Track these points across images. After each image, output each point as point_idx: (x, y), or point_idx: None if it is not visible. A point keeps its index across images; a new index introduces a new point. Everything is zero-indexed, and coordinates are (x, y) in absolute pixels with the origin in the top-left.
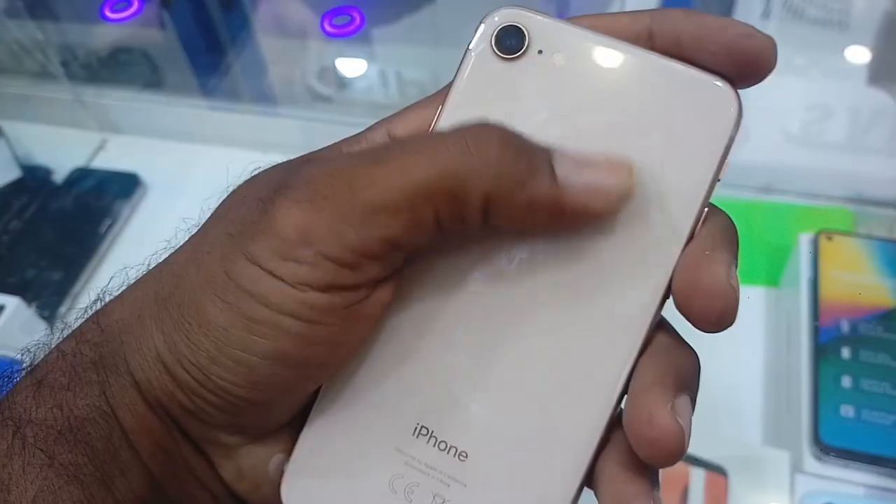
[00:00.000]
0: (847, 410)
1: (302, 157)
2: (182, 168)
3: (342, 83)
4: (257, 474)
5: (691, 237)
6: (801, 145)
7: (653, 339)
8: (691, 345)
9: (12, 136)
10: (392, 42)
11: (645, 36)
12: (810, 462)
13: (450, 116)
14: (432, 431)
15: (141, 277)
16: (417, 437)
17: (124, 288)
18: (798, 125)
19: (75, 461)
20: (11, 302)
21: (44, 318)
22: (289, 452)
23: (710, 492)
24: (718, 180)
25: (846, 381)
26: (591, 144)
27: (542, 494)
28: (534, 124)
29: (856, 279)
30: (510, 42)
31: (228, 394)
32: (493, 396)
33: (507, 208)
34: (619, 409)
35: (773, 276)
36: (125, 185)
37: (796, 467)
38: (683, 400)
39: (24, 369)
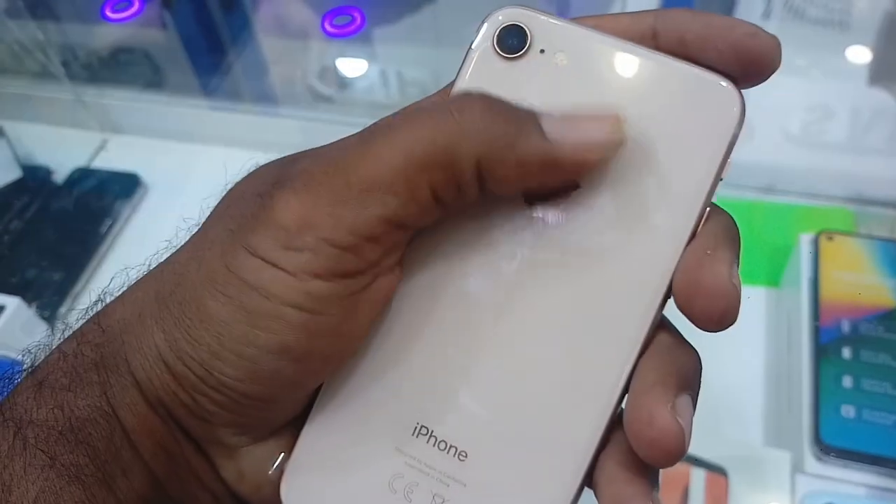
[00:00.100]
0: (848, 410)
1: (298, 152)
2: (183, 168)
3: (343, 83)
4: (258, 475)
5: (693, 236)
6: (802, 145)
7: (654, 338)
8: (692, 344)
9: (13, 136)
10: (393, 42)
11: (649, 35)
12: (811, 462)
13: None
14: (432, 431)
15: (142, 277)
16: (417, 436)
17: (125, 288)
18: (799, 125)
19: (76, 462)
20: (12, 302)
21: (44, 318)
22: (289, 453)
23: (711, 492)
24: (721, 179)
25: (847, 382)
26: None
27: (541, 494)
28: None
29: (856, 279)
30: (512, 41)
31: (231, 389)
32: (492, 396)
33: (500, 170)
34: (619, 409)
35: (773, 277)
36: (126, 186)
37: (797, 467)
38: (684, 400)
39: (24, 370)
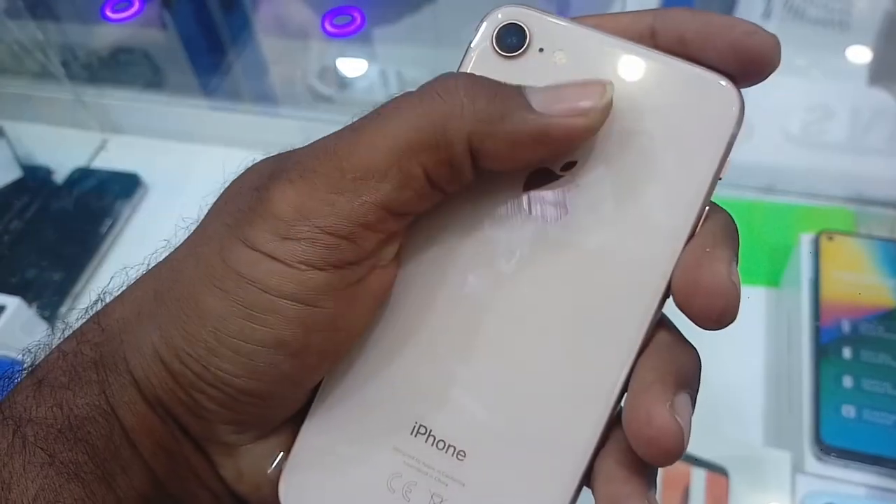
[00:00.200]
0: (848, 410)
1: (294, 148)
2: (183, 168)
3: (343, 83)
4: (257, 475)
5: (692, 235)
6: (802, 145)
7: (653, 337)
8: (692, 343)
9: (13, 136)
10: (393, 42)
11: (648, 35)
12: (811, 462)
13: None
14: (431, 430)
15: (141, 276)
16: (416, 435)
17: (125, 287)
18: (799, 125)
19: (76, 459)
20: (12, 302)
21: (44, 318)
22: (288, 452)
23: (711, 492)
24: (720, 178)
25: (847, 382)
26: (591, 143)
27: (540, 494)
28: None
29: (857, 279)
30: (511, 40)
31: (228, 386)
32: (491, 395)
33: (492, 146)
34: (618, 408)
35: (774, 277)
36: (126, 185)
37: (797, 467)
38: (683, 399)
39: (24, 369)
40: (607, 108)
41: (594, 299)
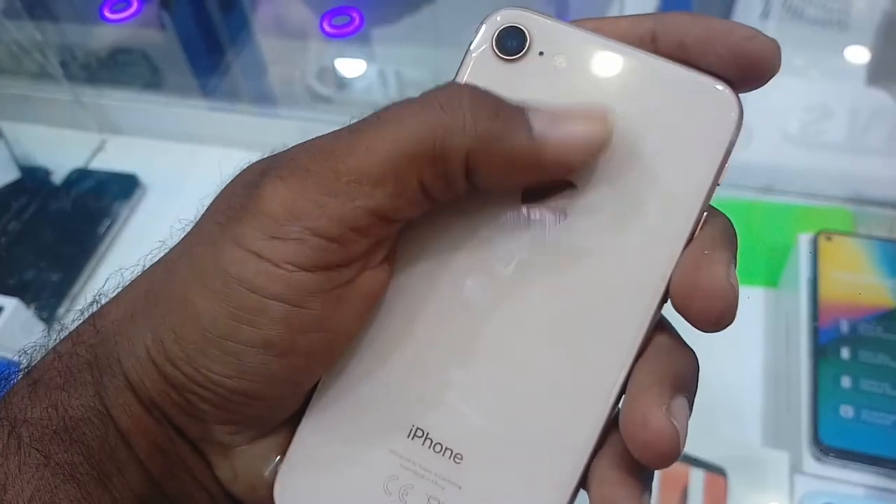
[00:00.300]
0: (846, 411)
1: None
2: (181, 169)
3: (342, 83)
4: (253, 476)
5: (690, 240)
6: (801, 145)
7: (652, 339)
8: (690, 346)
9: (11, 136)
10: (392, 42)
11: (648, 39)
12: (810, 462)
13: None
14: (427, 433)
15: (136, 277)
16: (412, 438)
17: (120, 289)
18: (797, 125)
19: (71, 460)
20: (10, 303)
21: (43, 319)
22: (284, 454)
23: (710, 492)
24: (718, 184)
25: (846, 382)
26: None
27: (537, 496)
28: None
29: (855, 279)
30: (511, 43)
31: (219, 387)
32: (488, 398)
33: (487, 164)
34: (616, 412)
35: (772, 277)
36: (124, 186)
37: (796, 468)
38: (680, 402)
39: (21, 370)
40: (607, 139)
41: (592, 302)
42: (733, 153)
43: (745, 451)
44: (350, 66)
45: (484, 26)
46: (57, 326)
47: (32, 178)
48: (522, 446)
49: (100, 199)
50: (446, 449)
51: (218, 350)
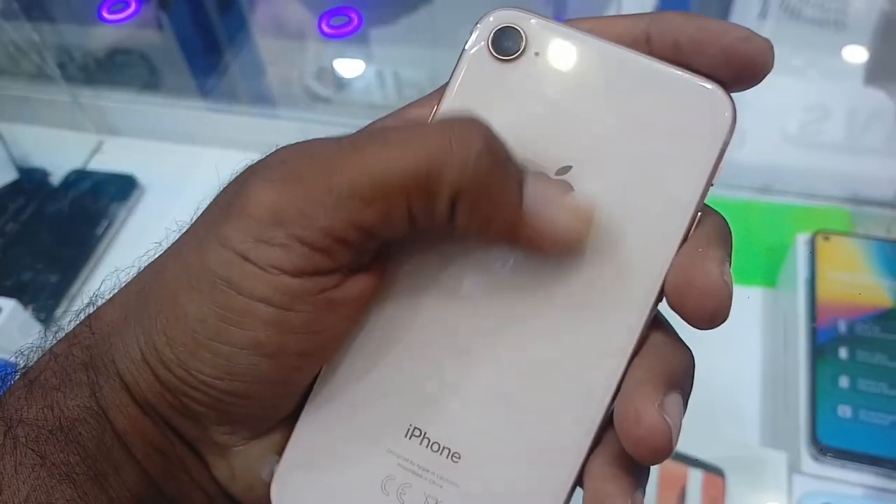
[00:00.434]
0: (844, 411)
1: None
2: (179, 170)
3: (340, 84)
4: (250, 475)
5: (685, 239)
6: (799, 145)
7: (648, 337)
8: (688, 344)
9: (9, 138)
10: (390, 43)
11: (643, 39)
12: (808, 463)
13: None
14: (425, 433)
15: (131, 279)
16: (410, 438)
17: (115, 290)
18: (795, 125)
19: (67, 460)
20: (7, 304)
21: (40, 320)
22: (281, 454)
23: (708, 493)
24: (712, 185)
25: (843, 382)
26: (586, 148)
27: (534, 495)
28: (528, 126)
29: (853, 279)
30: (507, 44)
31: (211, 388)
32: (485, 397)
33: (470, 210)
34: (612, 409)
35: (770, 277)
36: (122, 187)
37: (794, 468)
38: (673, 398)
39: (18, 371)
40: (579, 241)
41: (588, 301)
42: (727, 153)
43: (744, 452)
44: (348, 67)
45: (479, 26)
46: (54, 328)
47: (30, 179)
48: (520, 445)
49: (97, 200)
50: (444, 448)
51: (208, 353)
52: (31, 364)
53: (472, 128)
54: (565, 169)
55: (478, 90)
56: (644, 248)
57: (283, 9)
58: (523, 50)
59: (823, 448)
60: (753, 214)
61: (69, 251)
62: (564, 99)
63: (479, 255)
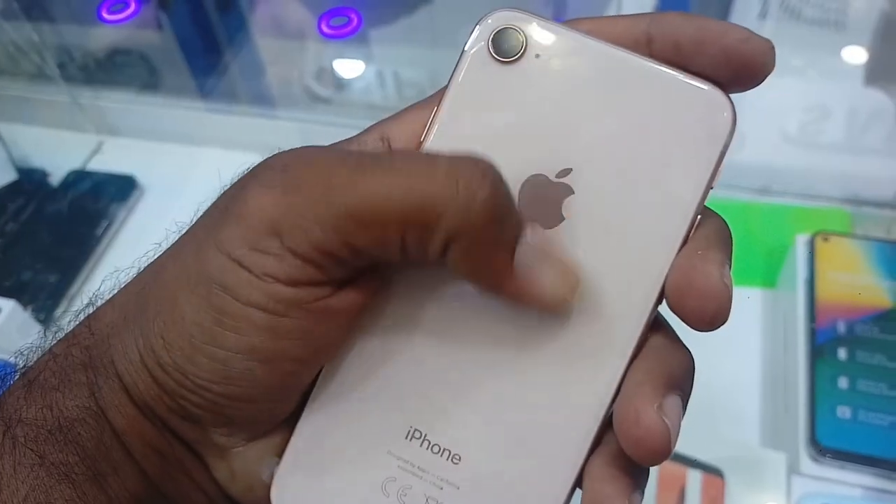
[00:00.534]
0: (844, 411)
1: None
2: (179, 170)
3: (340, 84)
4: (250, 476)
5: (685, 242)
6: (798, 146)
7: (648, 339)
8: (687, 345)
9: (8, 138)
10: (389, 43)
11: (643, 40)
12: (807, 463)
13: (445, 120)
14: (425, 434)
15: (131, 280)
16: (410, 440)
17: (115, 291)
18: (795, 126)
19: (66, 460)
20: (7, 305)
21: (39, 321)
22: (281, 455)
23: (707, 493)
24: (712, 188)
25: (843, 383)
26: (585, 150)
27: (534, 496)
28: (528, 129)
29: (852, 280)
30: (507, 45)
31: (207, 391)
32: (485, 399)
33: (462, 254)
34: (611, 411)
35: (769, 278)
36: (122, 188)
37: (793, 469)
38: (672, 400)
39: (17, 371)
40: (562, 306)
41: (588, 304)
42: (727, 156)
43: (743, 452)
44: (348, 67)
45: (479, 28)
46: (53, 328)
47: (30, 180)
48: (520, 446)
49: (97, 200)
50: (444, 450)
51: (204, 357)
52: (30, 364)
53: (481, 173)
54: (565, 171)
55: (477, 92)
56: (644, 249)
57: (283, 9)
58: (523, 52)
59: (822, 449)
60: (753, 215)
61: (69, 251)
62: (564, 101)
63: None
